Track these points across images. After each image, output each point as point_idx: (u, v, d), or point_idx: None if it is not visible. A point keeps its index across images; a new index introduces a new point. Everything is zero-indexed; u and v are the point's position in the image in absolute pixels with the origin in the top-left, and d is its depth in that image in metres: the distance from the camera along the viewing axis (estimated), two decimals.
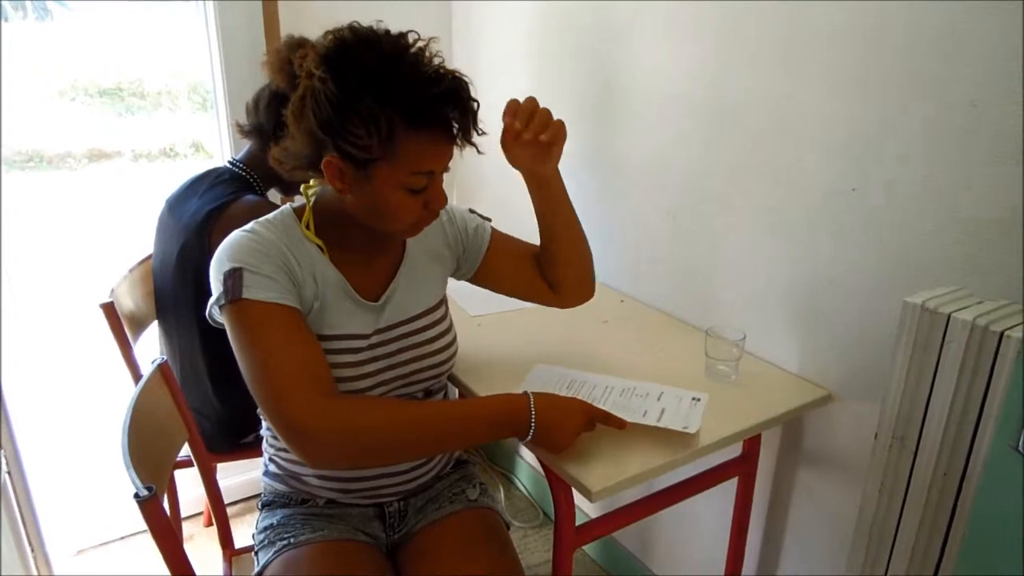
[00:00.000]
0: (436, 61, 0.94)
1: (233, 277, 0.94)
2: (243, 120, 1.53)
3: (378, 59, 0.90)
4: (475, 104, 0.96)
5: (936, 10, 1.01)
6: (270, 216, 1.05)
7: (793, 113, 1.25)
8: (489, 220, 1.26)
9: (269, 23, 1.84)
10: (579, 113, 1.76)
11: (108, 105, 1.87)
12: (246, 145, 1.57)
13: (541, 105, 1.05)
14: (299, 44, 1.36)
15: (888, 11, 1.07)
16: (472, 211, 1.25)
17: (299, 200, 1.10)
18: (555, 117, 1.05)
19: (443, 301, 1.19)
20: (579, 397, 1.19)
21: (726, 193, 1.41)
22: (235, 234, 1.00)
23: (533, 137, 1.03)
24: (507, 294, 1.28)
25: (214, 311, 0.99)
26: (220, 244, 1.03)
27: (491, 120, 1.02)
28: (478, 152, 0.99)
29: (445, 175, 1.02)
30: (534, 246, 1.26)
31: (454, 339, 1.19)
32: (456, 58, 2.23)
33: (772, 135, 1.29)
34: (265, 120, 1.48)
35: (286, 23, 1.86)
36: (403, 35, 0.94)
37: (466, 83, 0.95)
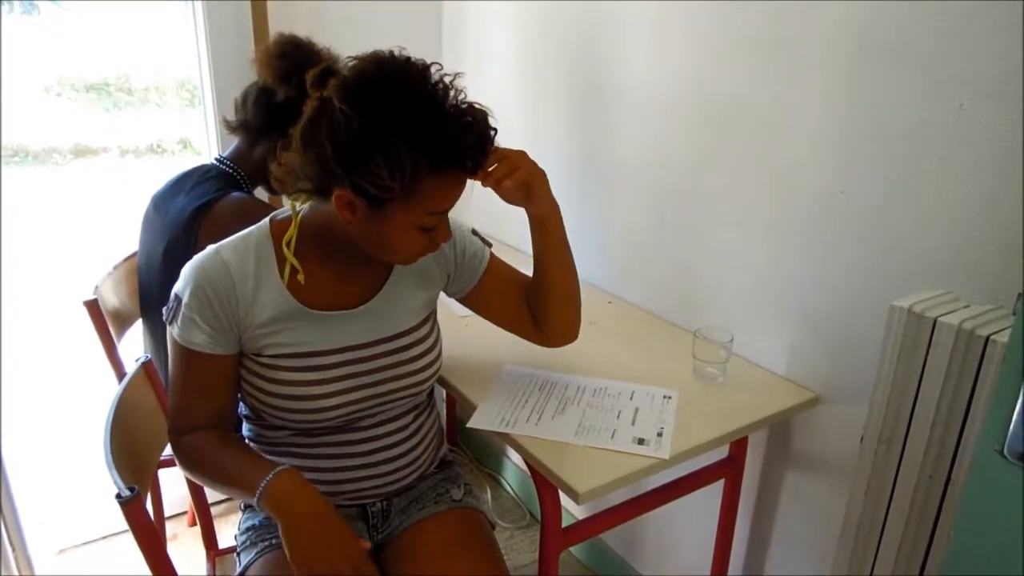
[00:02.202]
0: (459, 96, 0.93)
1: (176, 303, 1.01)
2: (231, 117, 1.52)
3: (405, 97, 0.89)
4: (494, 132, 0.96)
5: (925, 12, 1.02)
6: (246, 233, 1.04)
7: (782, 114, 1.25)
8: (490, 245, 1.22)
9: (258, 21, 1.83)
10: (567, 113, 1.75)
11: (95, 100, 1.85)
12: (234, 142, 1.56)
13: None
14: (290, 42, 1.35)
15: (877, 13, 1.08)
16: (475, 232, 1.22)
17: (284, 200, 1.09)
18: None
19: (428, 318, 1.17)
20: (552, 397, 1.21)
21: (714, 194, 1.41)
22: (203, 254, 1.02)
23: (496, 183, 1.01)
24: (492, 322, 1.25)
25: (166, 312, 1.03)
26: (206, 242, 1.04)
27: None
28: None
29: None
30: (529, 278, 1.22)
31: (437, 356, 1.16)
32: (446, 58, 2.22)
33: (760, 136, 1.30)
34: (252, 117, 1.47)
35: (275, 21, 1.84)
36: (427, 68, 0.92)
37: (486, 115, 0.94)
